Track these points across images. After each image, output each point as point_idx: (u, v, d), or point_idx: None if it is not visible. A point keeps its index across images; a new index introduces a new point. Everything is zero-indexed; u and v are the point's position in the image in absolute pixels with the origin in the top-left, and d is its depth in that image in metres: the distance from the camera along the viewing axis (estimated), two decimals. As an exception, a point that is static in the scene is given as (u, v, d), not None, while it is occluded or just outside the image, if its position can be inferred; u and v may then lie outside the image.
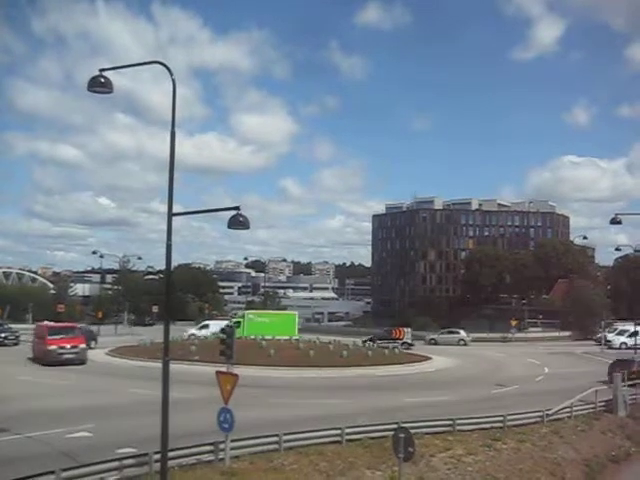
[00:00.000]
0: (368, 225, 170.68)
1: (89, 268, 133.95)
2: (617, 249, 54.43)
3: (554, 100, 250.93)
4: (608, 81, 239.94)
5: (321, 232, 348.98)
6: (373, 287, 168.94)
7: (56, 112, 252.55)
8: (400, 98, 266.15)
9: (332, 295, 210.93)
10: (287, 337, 52.00)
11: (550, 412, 23.88)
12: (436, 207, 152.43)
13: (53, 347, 37.99)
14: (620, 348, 55.15)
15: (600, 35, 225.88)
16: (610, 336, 59.93)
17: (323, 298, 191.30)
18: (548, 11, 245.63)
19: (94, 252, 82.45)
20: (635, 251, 68.87)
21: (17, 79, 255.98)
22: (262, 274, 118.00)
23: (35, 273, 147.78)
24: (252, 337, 51.19)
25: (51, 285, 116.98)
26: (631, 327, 58.24)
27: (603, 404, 26.59)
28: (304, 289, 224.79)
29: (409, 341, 58.52)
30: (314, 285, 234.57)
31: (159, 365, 12.66)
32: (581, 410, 25.60)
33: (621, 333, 59.24)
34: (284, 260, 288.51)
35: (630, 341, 55.52)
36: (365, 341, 57.29)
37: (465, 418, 21.77)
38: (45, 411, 22.58)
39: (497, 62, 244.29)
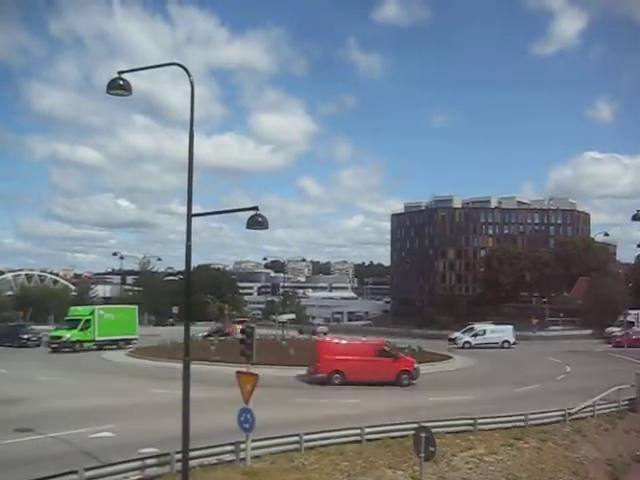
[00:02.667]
0: (387, 224, 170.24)
1: (110, 270, 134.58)
2: (639, 246, 53.92)
3: (576, 95, 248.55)
4: (631, 75, 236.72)
5: (340, 232, 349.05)
6: (392, 286, 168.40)
7: (74, 114, 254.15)
8: (418, 96, 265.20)
9: (351, 295, 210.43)
10: (128, 337, 52.46)
11: (572, 411, 23.66)
12: (455, 206, 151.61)
13: None
14: (463, 347, 56.82)
15: (622, 28, 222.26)
16: (456, 334, 61.27)
17: (342, 298, 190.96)
18: (569, 4, 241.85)
19: (114, 254, 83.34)
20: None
21: (35, 81, 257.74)
22: (281, 274, 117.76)
23: (57, 275, 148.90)
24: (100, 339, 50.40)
25: (72, 287, 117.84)
26: (488, 326, 60.81)
27: (626, 403, 26.30)
28: (323, 289, 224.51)
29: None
30: (333, 285, 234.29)
31: (179, 365, 12.71)
32: (604, 409, 25.32)
33: (467, 332, 60.44)
34: (303, 260, 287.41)
35: (474, 340, 57.66)
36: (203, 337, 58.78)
37: (486, 417, 21.67)
38: (67, 411, 22.81)
39: (517, 58, 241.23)
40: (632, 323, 62.50)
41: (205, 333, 62.78)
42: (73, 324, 50.69)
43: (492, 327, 60.35)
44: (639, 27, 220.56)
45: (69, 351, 47.80)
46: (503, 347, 57.32)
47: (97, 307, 54.76)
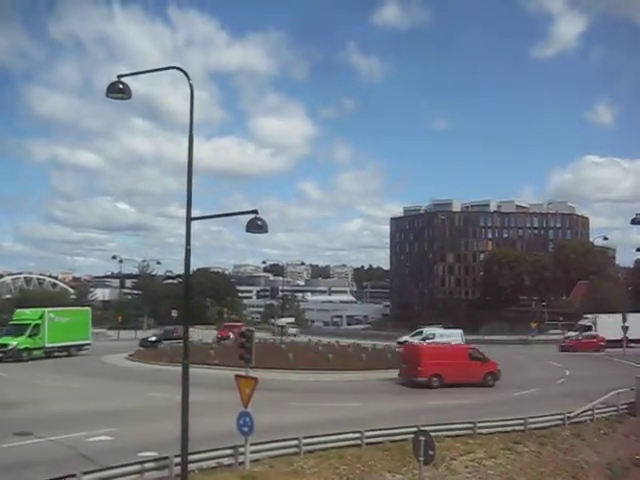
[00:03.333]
0: (386, 228, 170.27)
1: (109, 273, 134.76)
2: (638, 249, 54.02)
3: (576, 99, 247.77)
4: (631, 78, 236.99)
5: (339, 235, 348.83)
6: (392, 290, 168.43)
7: (74, 117, 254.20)
8: (418, 99, 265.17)
9: (350, 298, 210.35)
10: (80, 342, 49.57)
11: (572, 415, 23.64)
12: (454, 209, 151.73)
13: None
14: None
15: (622, 31, 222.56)
16: (404, 337, 61.31)
17: (341, 301, 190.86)
18: (569, 7, 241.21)
19: (114, 257, 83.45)
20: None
21: (35, 85, 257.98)
22: (280, 278, 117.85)
23: (56, 278, 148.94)
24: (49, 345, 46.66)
25: (71, 290, 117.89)
26: (437, 330, 60.71)
27: (626, 407, 26.28)
28: (322, 292, 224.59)
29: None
30: (332, 288, 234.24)
31: (178, 369, 12.70)
32: (603, 413, 25.29)
33: (416, 335, 60.09)
34: (302, 264, 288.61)
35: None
36: (152, 342, 56.93)
37: (486, 421, 21.65)
38: (66, 415, 22.80)
39: (517, 60, 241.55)
40: (589, 327, 63.72)
41: (153, 338, 58.56)
42: (20, 330, 45.38)
43: (441, 331, 60.11)
44: (639, 30, 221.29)
45: (12, 360, 42.75)
46: None
47: (47, 310, 48.34)
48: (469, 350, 36.53)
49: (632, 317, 59.30)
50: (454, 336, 56.24)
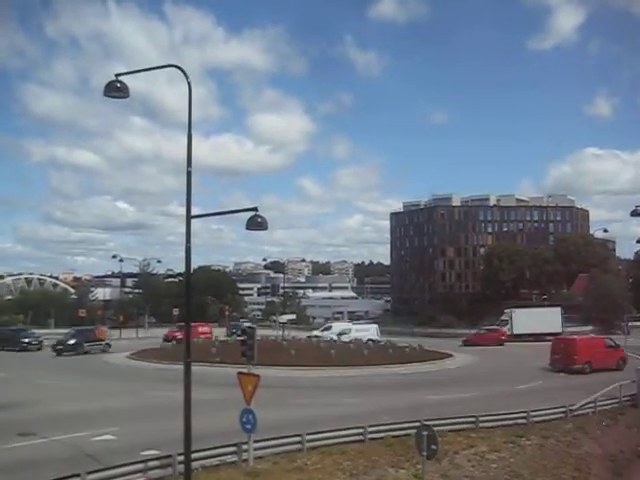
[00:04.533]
0: (386, 223, 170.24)
1: (109, 272, 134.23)
2: (638, 241, 53.96)
3: (575, 91, 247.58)
4: (630, 70, 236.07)
5: (340, 231, 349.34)
6: (392, 285, 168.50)
7: (72, 116, 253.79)
8: (416, 94, 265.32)
9: (351, 294, 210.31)
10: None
11: (574, 407, 23.69)
12: (454, 204, 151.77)
13: None
14: None
15: (620, 22, 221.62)
16: (315, 332, 61.49)
17: (342, 297, 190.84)
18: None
19: (114, 256, 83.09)
20: (656, 243, 68.28)
21: (31, 84, 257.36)
22: (281, 275, 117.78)
23: (56, 279, 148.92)
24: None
25: (72, 290, 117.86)
26: (353, 325, 62.18)
27: (628, 398, 26.33)
28: (323, 289, 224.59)
29: (109, 342, 55.58)
30: (333, 285, 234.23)
31: (181, 367, 12.71)
32: (605, 405, 25.35)
33: (327, 330, 60.38)
34: (303, 260, 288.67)
35: (339, 339, 55.38)
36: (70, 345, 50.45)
37: (488, 415, 21.68)
38: (70, 415, 22.82)
39: (515, 54, 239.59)
40: (506, 322, 65.76)
41: (72, 341, 51.34)
42: None
43: (357, 326, 60.70)
44: (637, 21, 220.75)
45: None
46: None
47: None
48: (605, 340, 41.00)
49: (547, 312, 65.83)
50: (370, 330, 57.44)
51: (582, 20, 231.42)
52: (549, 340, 55.52)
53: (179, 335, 54.28)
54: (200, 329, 60.70)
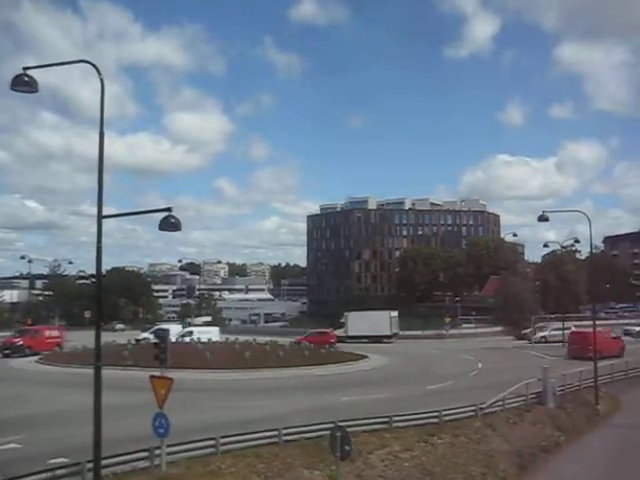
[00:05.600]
0: (303, 226, 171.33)
1: (17, 274, 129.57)
2: (545, 245, 56.27)
3: (488, 99, 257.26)
4: (540, 80, 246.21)
5: (256, 233, 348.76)
6: (309, 287, 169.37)
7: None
8: (334, 96, 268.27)
9: (268, 296, 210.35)
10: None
11: (483, 406, 24.33)
12: (370, 207, 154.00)
13: None
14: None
15: (532, 34, 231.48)
16: (144, 335, 58.81)
17: (259, 299, 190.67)
18: (482, 8, 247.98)
19: (22, 257, 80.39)
20: (562, 247, 71.09)
21: None
22: (197, 276, 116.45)
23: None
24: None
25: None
26: (196, 328, 62.88)
27: (534, 396, 27.30)
28: (240, 291, 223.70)
29: None
30: (250, 286, 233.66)
31: (91, 371, 12.37)
32: (513, 403, 26.18)
33: (153, 332, 59.84)
34: (219, 262, 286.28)
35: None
36: None
37: (401, 415, 21.98)
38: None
39: (431, 60, 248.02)
40: (343, 324, 69.79)
41: None
42: None
43: (199, 328, 61.53)
44: (547, 34, 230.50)
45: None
46: None
47: None
48: (609, 332, 47.97)
49: (378, 315, 69.85)
50: (212, 332, 58.40)
51: (496, 31, 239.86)
52: (386, 342, 62.83)
53: (20, 342, 49.69)
54: (47, 333, 54.12)
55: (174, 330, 58.25)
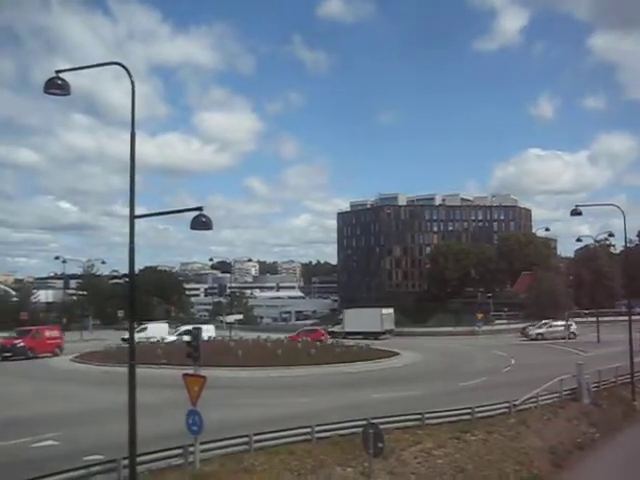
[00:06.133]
0: (333, 223, 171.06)
1: (52, 274, 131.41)
2: (578, 240, 55.08)
3: (519, 92, 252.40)
4: (572, 72, 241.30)
5: (287, 231, 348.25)
6: (339, 285, 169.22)
7: (10, 114, 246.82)
8: (364, 93, 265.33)
9: (299, 294, 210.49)
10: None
11: (517, 402, 24.14)
12: (400, 203, 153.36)
13: None
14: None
15: (563, 25, 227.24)
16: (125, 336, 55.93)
17: (290, 297, 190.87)
18: (512, 1, 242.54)
19: (57, 257, 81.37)
20: (595, 241, 70.08)
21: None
22: (228, 275, 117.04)
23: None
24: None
25: (13, 292, 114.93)
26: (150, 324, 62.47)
27: (568, 392, 27.02)
28: (271, 289, 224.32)
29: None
30: (280, 284, 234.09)
31: (125, 370, 12.52)
32: (547, 399, 25.93)
33: (142, 330, 59.30)
34: (250, 260, 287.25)
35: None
36: None
37: (434, 412, 21.89)
38: (9, 420, 22.23)
39: (461, 54, 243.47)
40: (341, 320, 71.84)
41: None
42: None
43: (151, 325, 61.93)
44: (579, 24, 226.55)
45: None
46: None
47: None
48: None
49: (371, 312, 71.70)
50: (162, 329, 59.80)
51: (526, 22, 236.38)
52: (381, 339, 63.36)
53: (21, 343, 47.92)
54: (48, 334, 52.19)
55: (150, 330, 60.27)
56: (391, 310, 73.68)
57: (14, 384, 33.55)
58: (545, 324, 62.10)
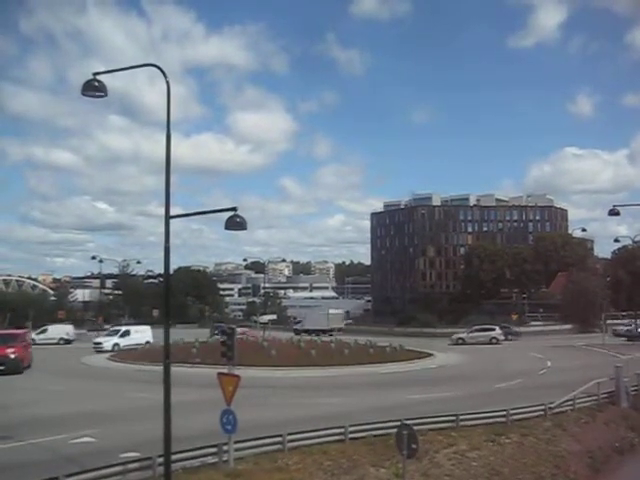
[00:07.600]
0: (367, 223, 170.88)
1: (89, 273, 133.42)
2: (616, 240, 54.10)
3: (556, 89, 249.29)
4: (611, 68, 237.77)
5: (320, 231, 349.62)
6: (373, 285, 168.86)
7: (48, 115, 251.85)
8: (398, 92, 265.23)
9: (332, 294, 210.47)
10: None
11: (553, 405, 23.83)
12: (434, 203, 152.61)
13: None
14: (113, 350, 52.18)
15: (602, 20, 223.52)
16: (100, 339, 56.29)
17: (323, 297, 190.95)
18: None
19: (93, 257, 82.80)
20: (633, 242, 68.76)
21: (6, 82, 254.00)
22: (262, 275, 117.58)
23: (35, 280, 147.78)
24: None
25: (51, 292, 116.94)
26: (129, 327, 60.82)
27: (606, 396, 26.56)
28: (304, 289, 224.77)
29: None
30: (314, 285, 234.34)
31: (160, 368, 12.62)
32: (584, 402, 25.52)
33: (112, 334, 57.74)
34: (283, 260, 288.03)
35: (123, 341, 54.29)
36: None
37: (468, 413, 21.73)
38: (47, 417, 22.58)
39: (497, 52, 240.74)
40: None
41: None
42: None
43: (136, 327, 60.57)
44: (618, 19, 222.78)
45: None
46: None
47: None
48: None
49: (318, 312, 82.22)
50: (145, 332, 57.65)
51: (564, 18, 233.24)
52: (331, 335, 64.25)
53: (15, 354, 37.34)
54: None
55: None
56: (340, 310, 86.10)
57: (51, 382, 34.06)
58: (471, 330, 63.69)
